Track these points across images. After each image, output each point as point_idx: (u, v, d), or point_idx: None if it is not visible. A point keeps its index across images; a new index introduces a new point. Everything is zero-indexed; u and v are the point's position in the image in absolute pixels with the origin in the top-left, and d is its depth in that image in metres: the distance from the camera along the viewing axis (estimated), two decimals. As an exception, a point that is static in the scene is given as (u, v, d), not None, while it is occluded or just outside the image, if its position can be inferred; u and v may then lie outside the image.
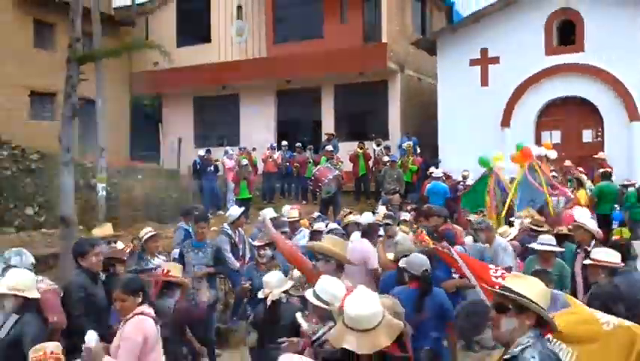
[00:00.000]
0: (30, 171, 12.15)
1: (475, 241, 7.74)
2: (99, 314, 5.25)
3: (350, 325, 3.21)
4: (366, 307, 3.23)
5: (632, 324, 4.09)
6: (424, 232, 7.35)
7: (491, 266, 4.68)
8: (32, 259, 5.48)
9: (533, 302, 2.93)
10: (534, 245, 6.72)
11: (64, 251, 7.50)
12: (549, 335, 3.69)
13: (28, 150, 12.23)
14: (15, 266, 5.16)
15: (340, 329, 3.26)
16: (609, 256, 5.44)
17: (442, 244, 5.82)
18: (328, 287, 4.11)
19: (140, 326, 4.31)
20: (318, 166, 14.92)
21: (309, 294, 4.18)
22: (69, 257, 6.69)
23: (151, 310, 4.53)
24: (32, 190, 12.19)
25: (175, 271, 5.78)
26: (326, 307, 4.01)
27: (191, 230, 8.63)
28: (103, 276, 5.96)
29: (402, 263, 5.42)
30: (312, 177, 14.06)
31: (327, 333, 3.96)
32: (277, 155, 17.68)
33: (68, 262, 6.63)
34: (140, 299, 4.40)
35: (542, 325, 2.99)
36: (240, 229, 8.92)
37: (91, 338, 4.02)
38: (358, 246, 6.97)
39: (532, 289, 3.00)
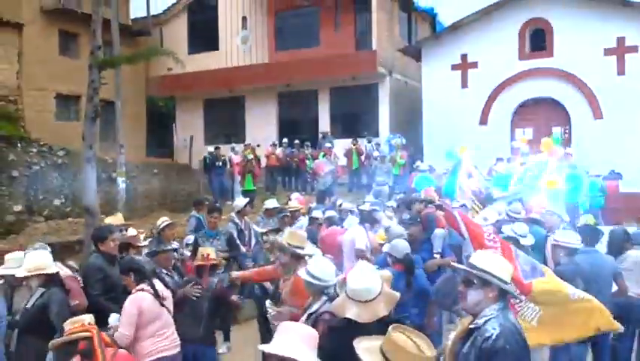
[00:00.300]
0: (57, 166, 12.11)
1: None
2: (116, 293, 5.22)
3: (352, 296, 3.24)
4: (366, 281, 3.27)
5: (595, 301, 4.17)
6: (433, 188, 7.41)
7: (485, 230, 4.67)
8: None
9: (495, 277, 2.94)
10: (507, 231, 6.71)
11: (88, 238, 7.48)
12: (523, 296, 3.95)
13: (55, 148, 12.18)
14: None
15: (343, 300, 3.29)
16: (569, 237, 5.50)
17: (445, 201, 5.74)
18: (319, 266, 4.15)
19: (134, 300, 4.51)
20: (317, 160, 14.97)
21: (302, 273, 4.20)
22: (90, 242, 6.71)
23: (150, 288, 4.60)
24: (59, 183, 12.16)
25: (212, 253, 5.72)
26: (318, 283, 4.02)
27: (202, 218, 8.63)
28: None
29: (385, 248, 5.45)
30: (311, 170, 14.15)
31: (322, 306, 3.98)
32: (279, 151, 17.68)
33: (92, 248, 6.61)
34: (133, 277, 4.72)
35: (504, 296, 2.99)
36: (245, 217, 8.91)
37: (114, 319, 4.47)
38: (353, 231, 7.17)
39: (495, 264, 3.01)
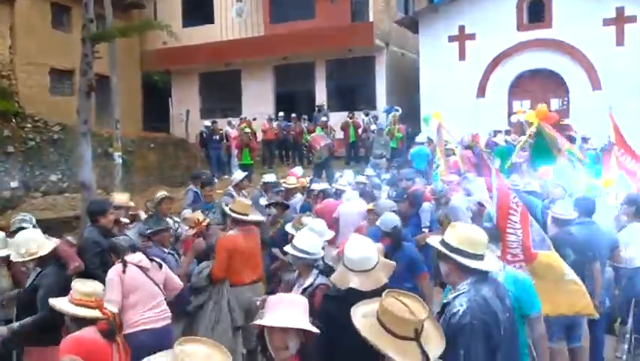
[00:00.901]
0: (53, 141, 12.04)
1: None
2: (106, 263, 5.15)
3: (352, 267, 3.28)
4: (365, 251, 3.32)
5: (583, 287, 4.54)
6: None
7: (512, 192, 4.72)
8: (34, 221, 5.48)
9: (454, 250, 2.96)
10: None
11: (85, 213, 7.45)
12: (523, 264, 4.18)
13: (51, 123, 12.09)
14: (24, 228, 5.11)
15: (343, 272, 3.31)
16: (562, 208, 5.56)
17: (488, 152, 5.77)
18: (306, 240, 4.16)
19: (113, 269, 4.55)
20: (313, 134, 14.92)
21: (289, 248, 4.19)
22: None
23: (134, 259, 4.59)
24: (56, 159, 12.11)
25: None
26: (306, 256, 4.05)
27: (199, 192, 8.63)
28: None
29: (381, 227, 5.44)
30: (307, 144, 14.13)
31: (316, 279, 4.02)
32: (275, 125, 17.65)
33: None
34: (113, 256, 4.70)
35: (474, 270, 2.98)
36: (243, 191, 8.91)
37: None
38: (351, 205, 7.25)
39: (461, 237, 3.01)
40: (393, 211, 5.82)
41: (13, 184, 10.46)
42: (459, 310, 2.85)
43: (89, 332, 3.32)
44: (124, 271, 4.50)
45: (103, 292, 3.55)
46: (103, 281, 4.56)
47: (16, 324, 4.29)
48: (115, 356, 3.33)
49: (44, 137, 11.80)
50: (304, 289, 4.03)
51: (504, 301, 3.00)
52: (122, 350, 3.38)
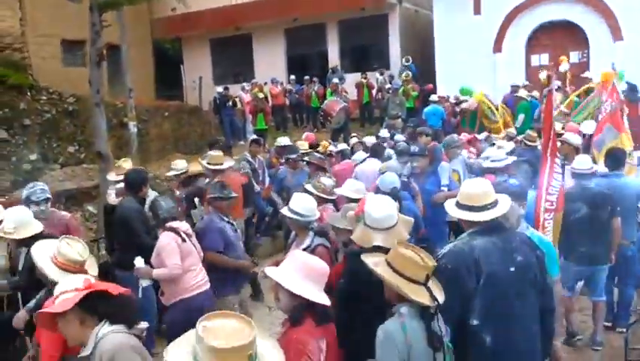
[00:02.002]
0: (68, 113, 12.15)
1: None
2: (149, 232, 5.37)
3: (374, 225, 3.32)
4: (386, 209, 3.38)
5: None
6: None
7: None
8: (47, 194, 5.33)
9: (458, 205, 3.18)
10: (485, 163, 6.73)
11: (103, 183, 7.62)
12: (552, 214, 4.68)
13: (65, 94, 12.19)
14: (34, 201, 5.11)
15: (364, 231, 3.35)
16: (579, 163, 5.57)
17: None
18: (301, 202, 4.30)
19: (166, 235, 4.68)
20: (327, 100, 14.85)
21: (285, 210, 4.35)
22: (107, 188, 6.86)
23: (182, 227, 4.79)
24: (72, 130, 12.25)
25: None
26: (301, 218, 4.22)
27: None
28: None
29: (381, 187, 5.47)
30: (322, 110, 14.07)
31: (313, 240, 4.19)
32: (280, 88, 17.64)
33: (107, 191, 6.76)
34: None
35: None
36: (258, 156, 9.00)
37: (139, 261, 4.68)
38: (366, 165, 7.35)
39: (462, 192, 3.22)
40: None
41: (32, 157, 10.65)
42: (439, 254, 3.02)
43: None
44: (180, 237, 4.68)
45: (85, 257, 3.40)
46: (151, 249, 4.77)
47: (31, 303, 4.15)
48: None
49: (59, 109, 11.92)
50: (303, 250, 4.10)
51: (511, 254, 2.99)
52: None
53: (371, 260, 2.87)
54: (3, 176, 9.98)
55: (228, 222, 5.31)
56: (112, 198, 6.27)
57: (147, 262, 4.75)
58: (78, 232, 5.36)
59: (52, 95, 11.93)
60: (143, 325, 2.76)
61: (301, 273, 2.71)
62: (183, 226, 4.89)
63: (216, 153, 7.01)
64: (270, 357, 2.08)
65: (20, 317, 4.16)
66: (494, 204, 3.11)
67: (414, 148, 6.67)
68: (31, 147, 10.75)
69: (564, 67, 14.14)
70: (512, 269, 2.96)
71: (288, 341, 2.64)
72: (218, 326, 1.99)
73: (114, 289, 2.67)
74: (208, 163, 6.74)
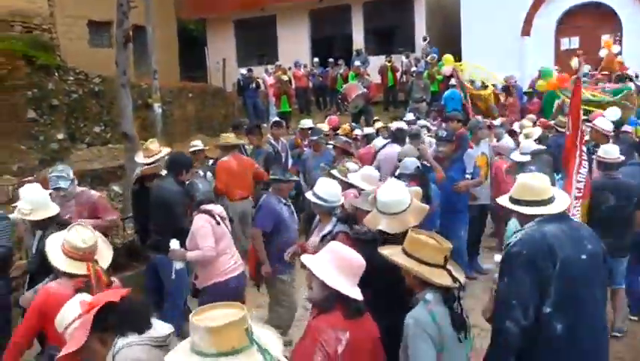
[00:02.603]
0: (94, 93, 12.29)
1: None
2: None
3: (382, 210, 3.37)
4: (395, 194, 3.40)
5: None
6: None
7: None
8: (62, 181, 5.19)
9: (514, 202, 3.09)
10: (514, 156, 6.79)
11: (129, 163, 7.72)
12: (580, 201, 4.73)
13: (91, 75, 12.32)
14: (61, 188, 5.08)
15: (374, 214, 3.42)
16: (606, 153, 5.45)
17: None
18: (325, 187, 4.31)
19: (200, 217, 4.72)
20: (347, 84, 14.80)
21: (309, 195, 4.38)
22: (133, 168, 6.95)
23: (216, 210, 4.84)
24: (98, 110, 12.40)
25: None
26: (325, 204, 4.24)
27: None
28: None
29: (398, 170, 5.56)
30: (340, 94, 14.12)
31: (335, 227, 4.18)
32: (303, 71, 17.58)
33: (132, 173, 6.86)
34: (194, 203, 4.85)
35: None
36: (281, 139, 9.03)
37: (174, 244, 4.71)
38: (388, 150, 7.30)
39: (519, 187, 3.12)
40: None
41: (60, 136, 10.81)
42: (512, 241, 2.96)
43: (63, 286, 3.26)
44: (214, 220, 4.72)
45: (89, 244, 3.31)
46: (186, 234, 4.81)
47: (39, 285, 4.09)
48: None
49: (86, 89, 12.05)
50: (323, 236, 4.19)
51: (581, 242, 2.95)
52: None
53: (388, 251, 2.88)
54: (31, 155, 10.17)
55: (285, 204, 5.37)
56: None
57: (182, 244, 4.79)
58: (107, 210, 5.40)
59: (79, 75, 12.07)
60: (167, 330, 2.53)
61: (336, 265, 2.68)
62: (217, 208, 4.93)
63: (227, 134, 7.93)
64: (268, 340, 2.08)
65: (27, 297, 4.12)
66: (554, 197, 3.07)
67: (441, 132, 6.61)
68: (59, 127, 10.92)
69: (603, 52, 13.72)
70: (584, 257, 2.91)
71: (307, 328, 2.69)
72: (209, 313, 2.02)
73: (114, 295, 2.51)
74: (220, 142, 7.64)
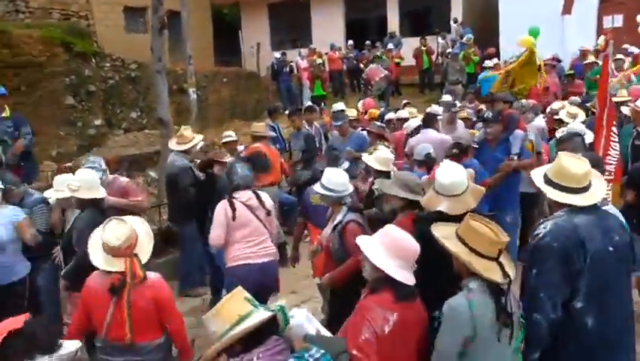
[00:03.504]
0: (131, 79, 12.35)
1: None
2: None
3: (442, 192, 3.38)
4: (456, 176, 3.42)
5: None
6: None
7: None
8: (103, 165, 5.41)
9: (549, 182, 2.96)
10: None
11: (164, 149, 7.71)
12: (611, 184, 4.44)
13: (128, 61, 12.36)
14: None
15: (433, 196, 3.43)
16: None
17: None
18: (331, 177, 4.24)
19: (221, 205, 4.79)
20: (370, 66, 14.73)
21: (317, 187, 4.31)
22: (167, 153, 6.93)
23: (242, 197, 4.81)
24: (134, 96, 12.45)
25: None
26: (332, 194, 4.17)
27: (277, 127, 9.12)
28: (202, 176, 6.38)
29: (415, 156, 5.59)
30: (363, 78, 14.14)
31: (346, 216, 4.13)
32: (338, 54, 17.37)
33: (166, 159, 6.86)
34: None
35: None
36: (315, 123, 8.97)
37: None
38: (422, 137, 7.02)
39: (557, 169, 2.97)
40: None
41: (97, 122, 10.90)
42: (541, 232, 2.84)
43: (99, 280, 3.36)
44: (231, 208, 4.73)
45: (128, 239, 3.33)
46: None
47: (65, 270, 4.49)
48: (110, 310, 3.29)
49: (122, 75, 12.11)
50: (334, 226, 4.15)
51: (608, 233, 2.85)
52: (126, 306, 3.27)
53: (441, 233, 2.84)
54: (70, 141, 10.27)
55: None
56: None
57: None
58: (136, 193, 5.55)
59: (116, 61, 12.12)
60: (73, 347, 2.44)
61: (387, 247, 2.72)
62: (244, 195, 4.85)
63: (258, 123, 8.32)
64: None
65: (62, 284, 4.52)
66: (590, 184, 2.92)
67: (487, 114, 6.40)
68: (96, 113, 11.01)
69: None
70: (611, 249, 2.83)
71: (357, 307, 2.75)
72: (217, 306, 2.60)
73: (16, 322, 2.36)
74: (252, 131, 7.89)
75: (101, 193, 4.52)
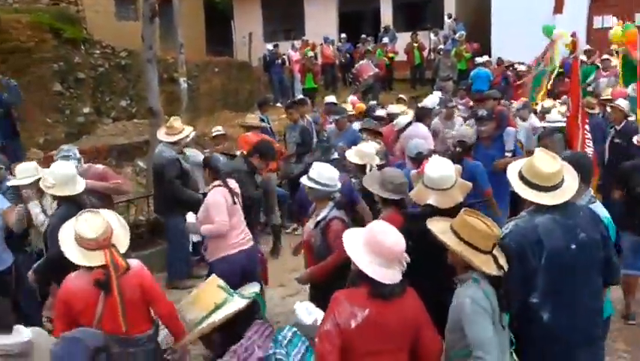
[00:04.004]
0: (121, 67, 12.15)
1: None
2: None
3: (431, 185, 3.44)
4: (444, 170, 3.48)
5: None
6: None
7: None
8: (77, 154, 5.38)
9: (520, 177, 3.01)
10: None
11: (153, 138, 7.59)
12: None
13: (118, 49, 12.17)
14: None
15: (421, 190, 3.50)
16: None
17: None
18: (321, 171, 4.13)
19: (216, 191, 4.75)
20: (360, 62, 14.70)
21: (305, 180, 4.16)
22: (157, 143, 6.81)
23: (227, 183, 4.81)
24: (124, 85, 12.27)
25: None
26: (321, 188, 4.06)
27: (266, 119, 9.06)
28: None
29: (407, 153, 5.56)
30: (354, 72, 14.09)
31: (330, 212, 4.05)
32: (332, 48, 17.25)
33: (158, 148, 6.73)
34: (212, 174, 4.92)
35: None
36: (306, 116, 8.90)
37: (190, 217, 4.88)
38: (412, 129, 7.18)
39: (528, 166, 3.00)
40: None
41: (86, 110, 10.72)
42: (504, 233, 2.92)
43: (79, 281, 3.16)
44: (230, 194, 4.76)
45: (105, 231, 3.18)
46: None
47: (37, 265, 4.30)
48: (99, 306, 3.12)
49: (112, 63, 11.91)
50: (317, 222, 4.07)
51: (573, 231, 2.90)
52: (119, 298, 3.13)
53: (436, 227, 2.85)
54: (57, 128, 10.10)
55: None
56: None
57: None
58: (115, 177, 5.58)
59: (106, 49, 11.92)
60: (24, 337, 2.40)
61: (367, 243, 2.66)
62: (232, 183, 4.92)
63: (252, 115, 8.31)
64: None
65: (32, 277, 4.30)
66: (562, 182, 2.95)
67: (481, 112, 6.36)
68: (85, 101, 10.83)
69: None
70: (573, 247, 2.87)
71: (332, 297, 2.69)
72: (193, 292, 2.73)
73: None
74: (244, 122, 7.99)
75: (77, 188, 4.26)
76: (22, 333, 2.57)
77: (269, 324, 2.59)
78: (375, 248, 2.62)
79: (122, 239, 3.32)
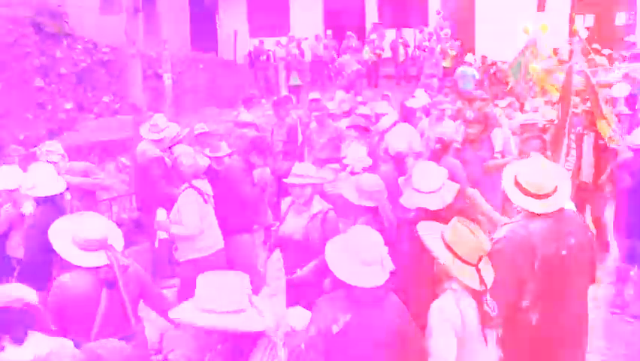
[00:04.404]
0: (103, 62, 11.95)
1: None
2: None
3: (421, 189, 3.49)
4: (430, 174, 3.55)
5: None
6: None
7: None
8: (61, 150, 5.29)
9: (515, 184, 3.05)
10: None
11: (136, 135, 7.44)
12: None
13: (100, 44, 11.97)
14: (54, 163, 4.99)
15: (411, 193, 3.54)
16: (635, 137, 5.38)
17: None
18: (302, 168, 4.16)
19: (187, 193, 4.66)
20: (342, 58, 14.68)
21: (291, 178, 4.12)
22: (139, 140, 6.66)
23: (199, 186, 4.72)
24: (107, 80, 12.06)
25: None
26: (319, 181, 4.21)
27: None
28: None
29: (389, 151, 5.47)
30: (336, 66, 14.00)
31: (324, 204, 4.12)
32: (323, 44, 17.14)
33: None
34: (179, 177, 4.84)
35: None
36: (292, 113, 8.79)
37: (161, 214, 4.74)
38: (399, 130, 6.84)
39: (523, 172, 3.04)
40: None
41: (68, 105, 10.53)
42: (496, 237, 2.92)
43: (76, 283, 3.08)
44: (201, 195, 4.67)
45: (105, 233, 3.17)
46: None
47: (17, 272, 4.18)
48: (102, 304, 3.06)
49: (95, 58, 11.71)
50: (313, 216, 4.06)
51: (564, 237, 2.91)
52: (125, 296, 3.13)
53: (427, 233, 2.82)
54: (38, 124, 9.90)
55: None
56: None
57: None
58: (97, 173, 5.53)
59: (88, 44, 11.71)
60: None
61: (346, 247, 2.63)
62: (202, 184, 4.82)
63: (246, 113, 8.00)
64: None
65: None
66: (555, 190, 2.96)
67: (469, 114, 6.26)
68: (67, 96, 10.62)
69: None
70: (564, 252, 2.90)
71: (315, 303, 2.71)
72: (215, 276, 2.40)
73: None
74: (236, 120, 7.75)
75: (58, 189, 4.17)
76: (38, 345, 2.37)
77: (273, 340, 2.36)
78: (353, 252, 2.58)
79: (117, 235, 3.33)
